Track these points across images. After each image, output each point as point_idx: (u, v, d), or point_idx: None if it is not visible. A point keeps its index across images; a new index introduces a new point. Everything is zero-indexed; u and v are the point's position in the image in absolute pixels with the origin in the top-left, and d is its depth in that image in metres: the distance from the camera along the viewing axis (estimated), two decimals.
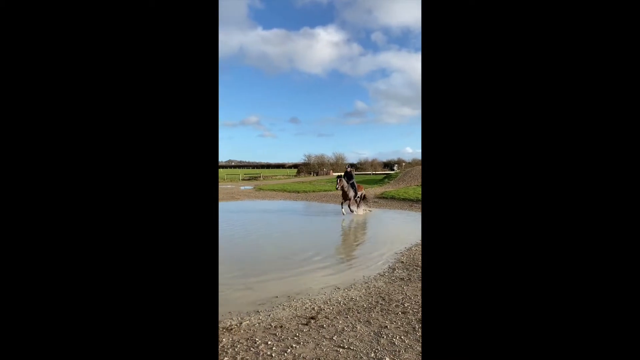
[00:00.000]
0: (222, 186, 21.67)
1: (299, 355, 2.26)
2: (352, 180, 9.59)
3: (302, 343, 2.43)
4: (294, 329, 2.65)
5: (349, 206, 9.39)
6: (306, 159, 43.70)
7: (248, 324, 2.76)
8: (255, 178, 30.84)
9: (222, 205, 12.15)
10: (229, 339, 2.49)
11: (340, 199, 9.90)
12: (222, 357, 2.24)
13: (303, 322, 2.80)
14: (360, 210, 9.70)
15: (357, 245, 5.96)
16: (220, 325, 2.74)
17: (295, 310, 3.06)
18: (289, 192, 16.80)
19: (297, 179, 29.08)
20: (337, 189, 9.49)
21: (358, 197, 9.70)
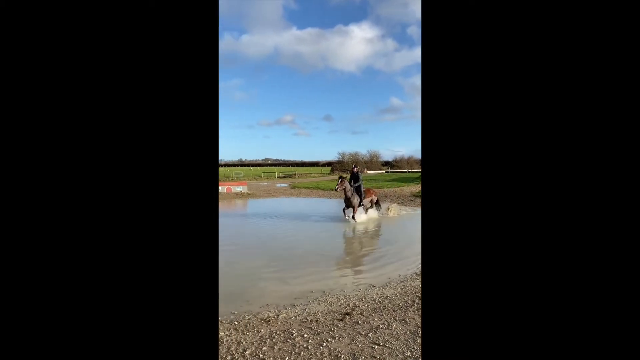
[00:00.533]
0: (260, 183, 22.34)
1: (335, 349, 2.30)
2: (358, 183, 7.95)
3: (337, 338, 2.47)
4: (329, 324, 2.70)
5: (352, 215, 7.84)
6: (340, 156, 43.64)
7: (285, 317, 2.85)
8: (290, 176, 31.39)
9: (260, 202, 12.54)
10: (267, 330, 2.60)
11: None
12: (261, 347, 2.34)
13: (338, 317, 2.83)
14: (375, 213, 8.50)
15: (392, 244, 5.88)
16: (259, 316, 2.86)
17: (330, 305, 3.11)
18: (323, 189, 16.91)
19: (331, 177, 29.14)
20: (335, 189, 7.91)
21: (364, 205, 8.14)
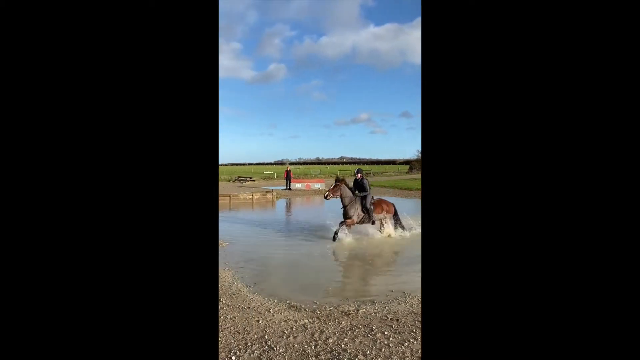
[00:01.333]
0: None
1: (417, 350, 2.25)
2: (364, 193, 5.96)
3: (419, 340, 2.40)
4: (411, 325, 2.64)
5: (336, 230, 5.72)
6: (419, 154, 41.62)
7: (364, 312, 2.89)
8: (366, 174, 31.25)
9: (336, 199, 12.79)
10: (347, 322, 2.67)
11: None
12: (342, 338, 2.43)
13: (420, 319, 2.75)
14: (391, 230, 6.12)
15: None
16: (339, 309, 2.96)
17: (412, 306, 3.03)
18: (400, 189, 16.42)
19: (408, 176, 28.07)
20: (325, 197, 5.86)
21: (372, 219, 6.04)
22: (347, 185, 5.92)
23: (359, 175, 6.19)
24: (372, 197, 6.17)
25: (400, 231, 6.19)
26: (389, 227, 6.13)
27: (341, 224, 5.83)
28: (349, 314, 2.84)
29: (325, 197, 5.85)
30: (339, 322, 2.68)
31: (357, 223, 5.94)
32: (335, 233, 5.68)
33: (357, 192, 6.07)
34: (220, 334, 2.46)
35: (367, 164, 69.29)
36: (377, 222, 6.15)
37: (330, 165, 63.52)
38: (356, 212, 5.85)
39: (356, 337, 2.44)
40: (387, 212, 6.25)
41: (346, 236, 5.77)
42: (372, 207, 6.00)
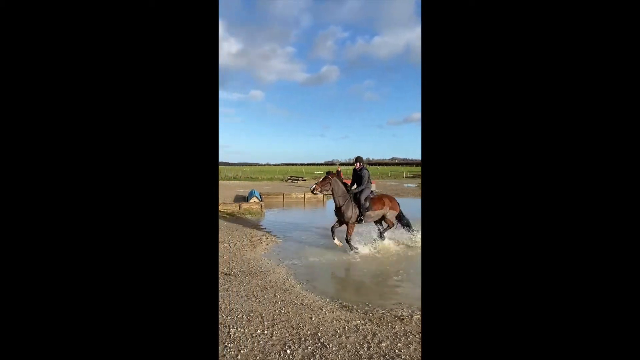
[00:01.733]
0: (387, 183, 22.30)
1: None
2: (362, 187, 4.99)
3: None
4: None
5: (346, 237, 4.93)
6: None
7: (419, 319, 2.79)
8: (419, 176, 30.04)
9: None
10: (401, 328, 2.61)
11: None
12: (396, 343, 2.38)
13: None
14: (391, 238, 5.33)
15: None
16: (392, 313, 2.90)
17: None
18: None
19: None
20: (312, 192, 4.85)
21: (366, 220, 5.06)
22: (341, 181, 5.05)
23: (357, 164, 5.11)
24: (372, 191, 5.24)
25: (405, 232, 5.53)
26: (402, 233, 5.43)
27: (334, 227, 5.07)
28: (403, 319, 2.77)
29: (312, 191, 4.86)
30: (392, 327, 2.62)
31: (352, 223, 4.97)
32: (335, 238, 5.03)
33: (354, 186, 5.15)
34: (274, 327, 2.57)
35: (419, 165, 66.63)
36: (373, 218, 5.33)
37: (380, 167, 62.36)
38: (354, 212, 4.94)
39: (410, 343, 2.37)
40: (391, 208, 5.36)
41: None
42: (366, 203, 4.99)
